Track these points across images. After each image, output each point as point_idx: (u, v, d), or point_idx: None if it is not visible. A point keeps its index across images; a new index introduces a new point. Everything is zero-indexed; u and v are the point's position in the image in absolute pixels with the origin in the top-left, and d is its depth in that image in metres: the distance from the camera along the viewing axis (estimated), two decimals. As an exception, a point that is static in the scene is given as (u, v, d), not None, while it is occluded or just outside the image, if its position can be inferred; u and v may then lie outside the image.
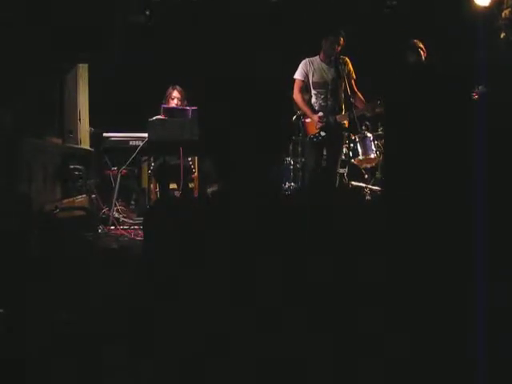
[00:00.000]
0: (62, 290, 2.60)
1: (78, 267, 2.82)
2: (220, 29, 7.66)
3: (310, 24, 6.93)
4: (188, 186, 6.23)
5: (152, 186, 6.58)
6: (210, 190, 7.29)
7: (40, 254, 2.98)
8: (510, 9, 6.16)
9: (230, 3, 7.66)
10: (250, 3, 7.59)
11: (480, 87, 5.00)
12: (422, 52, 5.85)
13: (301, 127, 6.49)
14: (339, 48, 5.73)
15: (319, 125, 5.84)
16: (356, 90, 5.93)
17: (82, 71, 6.48)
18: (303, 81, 5.92)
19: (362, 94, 5.97)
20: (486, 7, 6.47)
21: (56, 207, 4.29)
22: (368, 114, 6.09)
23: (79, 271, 2.77)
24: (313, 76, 5.89)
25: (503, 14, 6.21)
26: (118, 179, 6.05)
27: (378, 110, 5.84)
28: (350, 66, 5.91)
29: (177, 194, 6.45)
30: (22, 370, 2.11)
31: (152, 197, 6.63)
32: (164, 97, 6.45)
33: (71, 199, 4.91)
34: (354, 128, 6.06)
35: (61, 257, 2.94)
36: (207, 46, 7.64)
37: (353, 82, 5.92)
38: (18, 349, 2.19)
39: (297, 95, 5.95)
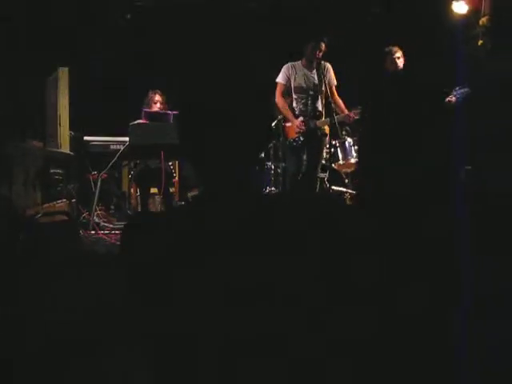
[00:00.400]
0: (48, 295, 2.59)
1: (63, 272, 2.81)
2: (201, 31, 7.66)
3: (294, 30, 6.96)
4: (169, 190, 6.22)
5: (132, 190, 6.57)
6: (190, 195, 7.29)
7: (24, 259, 2.97)
8: (487, 16, 6.28)
9: (210, 5, 7.68)
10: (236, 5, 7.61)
11: (458, 88, 5.10)
12: (400, 59, 5.91)
13: (281, 131, 6.53)
14: (320, 54, 5.77)
15: (299, 129, 5.87)
16: (336, 96, 5.98)
17: (63, 75, 6.43)
18: (285, 85, 5.96)
19: (344, 101, 6.01)
20: (463, 15, 6.59)
21: (38, 212, 4.26)
22: (347, 122, 6.14)
23: (64, 276, 2.76)
24: (294, 80, 5.93)
25: (481, 22, 6.33)
26: (99, 183, 6.01)
27: (357, 118, 5.92)
28: (332, 72, 5.96)
29: (157, 198, 6.44)
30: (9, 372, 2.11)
31: (132, 201, 6.63)
32: (145, 101, 6.42)
33: (52, 204, 4.88)
34: (334, 133, 6.12)
35: (45, 262, 2.93)
36: (186, 48, 7.64)
37: (333, 88, 5.97)
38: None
39: (278, 99, 5.99)
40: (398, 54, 5.88)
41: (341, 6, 7.64)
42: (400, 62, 5.90)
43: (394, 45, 5.97)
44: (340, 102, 5.97)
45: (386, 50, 5.95)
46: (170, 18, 7.76)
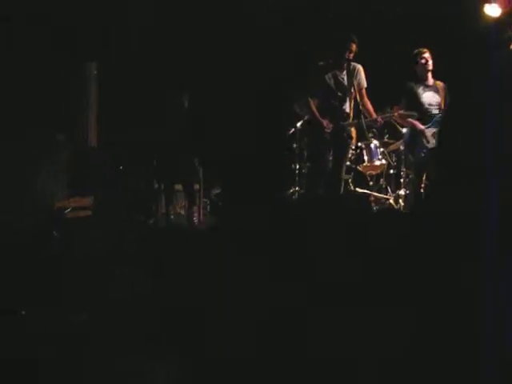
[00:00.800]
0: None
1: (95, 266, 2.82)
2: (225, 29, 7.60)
3: (324, 31, 6.90)
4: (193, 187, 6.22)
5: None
6: (214, 193, 7.28)
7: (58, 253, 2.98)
8: (520, 19, 6.16)
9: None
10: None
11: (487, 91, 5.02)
12: (429, 62, 5.84)
13: (307, 132, 6.49)
14: (351, 55, 5.70)
15: (326, 130, 5.82)
16: (366, 98, 5.90)
17: (94, 71, 6.48)
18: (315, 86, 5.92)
19: (372, 103, 5.95)
20: (496, 18, 6.48)
21: (66, 206, 4.30)
22: (376, 126, 6.08)
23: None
24: (324, 82, 5.86)
25: (513, 25, 6.21)
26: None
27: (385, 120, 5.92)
28: (362, 74, 5.86)
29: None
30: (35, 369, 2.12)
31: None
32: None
33: (78, 198, 4.92)
34: (360, 135, 6.07)
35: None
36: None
37: (363, 90, 5.89)
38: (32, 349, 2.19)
39: (308, 100, 5.94)
40: (428, 57, 5.82)
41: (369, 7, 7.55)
42: (429, 66, 5.84)
43: (423, 47, 5.90)
44: (369, 104, 5.89)
45: (416, 52, 5.88)
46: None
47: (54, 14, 5.92)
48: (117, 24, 6.73)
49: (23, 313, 2.36)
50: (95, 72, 6.48)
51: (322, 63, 5.90)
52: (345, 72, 5.79)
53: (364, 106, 5.83)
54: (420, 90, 5.89)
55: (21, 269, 2.71)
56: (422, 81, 5.90)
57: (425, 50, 5.87)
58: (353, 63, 5.77)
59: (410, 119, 5.86)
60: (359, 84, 5.83)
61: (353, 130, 5.90)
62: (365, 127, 5.64)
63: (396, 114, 5.82)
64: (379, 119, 5.77)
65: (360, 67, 5.86)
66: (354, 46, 5.67)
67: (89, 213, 4.67)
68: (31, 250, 2.95)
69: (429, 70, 5.86)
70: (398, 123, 6.46)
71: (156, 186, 6.56)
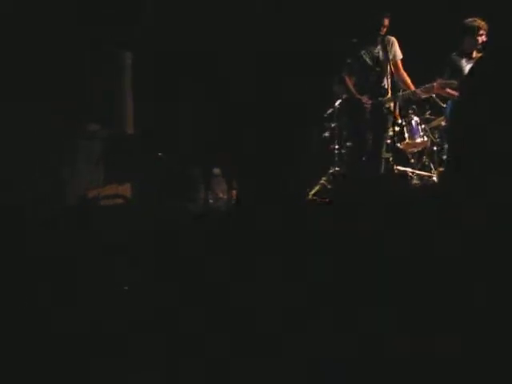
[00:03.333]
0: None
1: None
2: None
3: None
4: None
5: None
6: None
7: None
8: None
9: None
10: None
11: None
12: (483, 35, 5.57)
13: (346, 110, 6.38)
14: (384, 29, 5.58)
15: (366, 107, 5.72)
16: (402, 70, 5.77)
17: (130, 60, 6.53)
18: (350, 64, 5.82)
19: (409, 74, 5.80)
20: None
21: (98, 194, 4.33)
22: (415, 98, 5.92)
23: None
24: (360, 59, 5.77)
25: None
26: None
27: (425, 96, 5.75)
28: (397, 45, 5.74)
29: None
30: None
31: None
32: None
33: (113, 186, 4.96)
34: (399, 111, 5.92)
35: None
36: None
37: (399, 62, 5.76)
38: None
39: (344, 77, 5.86)
40: (483, 29, 5.54)
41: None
42: (482, 39, 5.58)
43: (474, 18, 5.61)
44: (406, 77, 5.74)
45: (469, 24, 5.61)
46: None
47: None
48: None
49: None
50: (130, 61, 6.51)
51: (355, 40, 5.80)
52: (379, 46, 5.67)
53: (400, 78, 5.70)
54: (463, 62, 5.70)
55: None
56: (468, 54, 5.69)
57: (483, 23, 5.59)
58: (387, 36, 5.64)
59: (450, 90, 5.67)
60: (394, 56, 5.70)
61: (391, 105, 5.77)
62: (401, 102, 5.48)
63: (435, 84, 5.63)
64: (418, 91, 5.62)
65: (393, 39, 5.73)
66: (386, 21, 5.54)
67: (124, 201, 4.71)
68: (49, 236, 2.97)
69: (481, 45, 5.62)
70: (438, 97, 6.26)
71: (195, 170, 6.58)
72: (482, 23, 5.57)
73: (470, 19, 5.62)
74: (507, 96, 2.86)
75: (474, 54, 5.67)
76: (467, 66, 5.66)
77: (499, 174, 2.68)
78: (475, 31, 5.56)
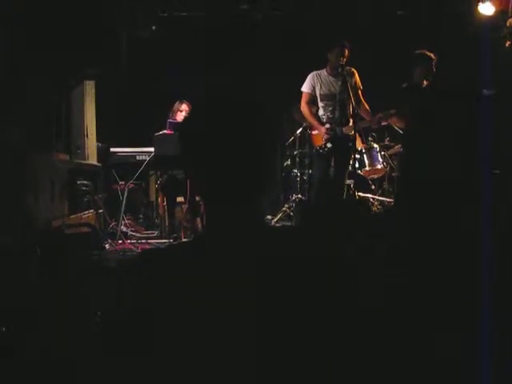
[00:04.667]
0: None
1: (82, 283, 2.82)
2: (224, 45, 7.69)
3: (315, 37, 6.94)
4: (195, 198, 6.24)
5: (160, 199, 6.59)
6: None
7: (44, 271, 2.98)
8: (515, 17, 6.16)
9: (232, 19, 7.70)
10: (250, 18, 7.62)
11: (484, 91, 4.99)
12: (431, 63, 5.77)
13: (307, 139, 6.50)
14: (344, 59, 5.71)
15: (326, 136, 5.84)
16: (363, 100, 5.91)
17: (89, 88, 6.54)
18: (310, 93, 5.93)
19: (369, 105, 5.95)
20: (490, 16, 6.48)
21: (64, 223, 4.31)
22: (374, 127, 6.08)
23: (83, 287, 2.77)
24: (320, 88, 5.89)
25: (508, 23, 6.21)
26: (126, 193, 6.06)
27: (384, 123, 5.87)
28: (357, 76, 5.90)
29: (184, 207, 6.44)
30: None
31: (160, 211, 6.65)
32: (170, 111, 6.42)
33: (78, 215, 4.93)
34: (360, 139, 6.06)
35: (65, 275, 2.94)
36: (211, 62, 7.66)
37: (359, 92, 5.91)
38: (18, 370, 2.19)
39: (304, 107, 5.97)
40: (432, 60, 5.73)
41: (363, 7, 7.58)
42: (431, 69, 5.77)
43: (424, 50, 5.82)
44: (366, 106, 5.89)
45: (419, 55, 5.79)
46: (193, 29, 7.80)
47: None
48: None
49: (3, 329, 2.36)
50: (93, 90, 6.53)
51: (317, 71, 5.93)
52: (340, 77, 5.80)
53: (361, 108, 5.84)
54: (413, 91, 5.87)
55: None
56: (417, 83, 5.87)
57: (431, 54, 5.76)
58: (347, 67, 5.78)
59: (397, 119, 5.84)
60: (355, 87, 5.84)
61: (352, 133, 5.89)
62: (362, 130, 5.61)
63: (393, 112, 5.79)
64: (376, 120, 5.76)
65: (354, 70, 5.89)
66: (346, 51, 5.68)
67: (89, 229, 4.69)
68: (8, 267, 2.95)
69: (430, 74, 5.80)
70: (396, 125, 6.43)
71: (159, 198, 6.60)
72: (431, 55, 5.78)
73: (419, 51, 5.83)
74: (451, 123, 3.01)
75: (424, 84, 5.84)
76: (416, 95, 5.83)
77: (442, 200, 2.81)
78: (424, 62, 5.75)
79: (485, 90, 5.03)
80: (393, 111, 5.77)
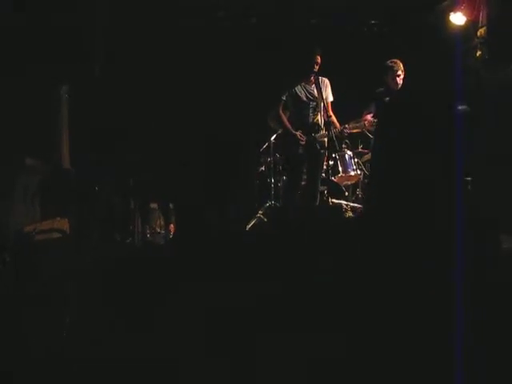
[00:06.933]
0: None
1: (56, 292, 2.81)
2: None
3: (290, 46, 6.99)
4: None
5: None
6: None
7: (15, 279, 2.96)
8: (484, 28, 6.28)
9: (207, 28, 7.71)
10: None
11: (459, 107, 5.07)
12: (401, 76, 5.91)
13: (281, 145, 6.53)
14: (317, 66, 5.77)
15: (300, 143, 5.87)
16: (331, 112, 5.95)
17: (66, 94, 6.51)
18: (285, 100, 5.97)
19: (343, 115, 6.02)
20: (461, 26, 6.59)
21: (35, 229, 4.28)
22: (344, 135, 6.14)
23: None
24: (294, 94, 5.93)
25: (478, 33, 6.33)
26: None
27: (354, 131, 5.99)
28: (329, 87, 5.98)
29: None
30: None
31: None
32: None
33: (50, 221, 4.89)
34: (333, 146, 6.10)
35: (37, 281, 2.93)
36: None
37: (329, 104, 5.97)
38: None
39: (278, 113, 6.00)
40: (400, 70, 5.88)
41: (337, 18, 7.66)
42: (400, 79, 5.91)
43: (394, 59, 5.96)
44: (334, 118, 5.92)
45: (388, 65, 5.93)
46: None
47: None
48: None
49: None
50: (67, 95, 6.49)
51: (291, 76, 5.98)
52: (313, 85, 5.85)
53: (330, 119, 5.89)
54: (384, 98, 5.97)
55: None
56: (388, 91, 5.97)
57: (397, 63, 5.91)
58: (320, 77, 5.83)
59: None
60: (327, 97, 5.90)
61: (325, 140, 5.94)
62: (334, 138, 5.64)
63: (363, 121, 5.90)
64: (346, 129, 5.83)
65: (327, 80, 5.96)
66: (318, 58, 5.74)
67: (61, 235, 4.65)
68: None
69: (399, 84, 5.93)
70: (368, 131, 6.51)
71: (132, 205, 6.56)
72: (400, 64, 5.92)
73: (390, 60, 5.96)
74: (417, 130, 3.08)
75: (394, 91, 5.96)
76: (388, 97, 5.96)
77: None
78: (394, 71, 5.89)
79: (460, 107, 5.11)
80: (366, 113, 5.93)
